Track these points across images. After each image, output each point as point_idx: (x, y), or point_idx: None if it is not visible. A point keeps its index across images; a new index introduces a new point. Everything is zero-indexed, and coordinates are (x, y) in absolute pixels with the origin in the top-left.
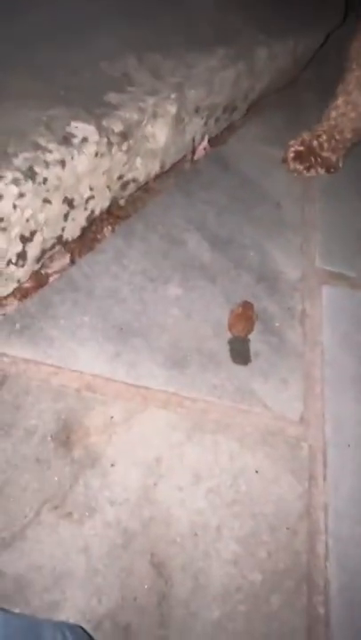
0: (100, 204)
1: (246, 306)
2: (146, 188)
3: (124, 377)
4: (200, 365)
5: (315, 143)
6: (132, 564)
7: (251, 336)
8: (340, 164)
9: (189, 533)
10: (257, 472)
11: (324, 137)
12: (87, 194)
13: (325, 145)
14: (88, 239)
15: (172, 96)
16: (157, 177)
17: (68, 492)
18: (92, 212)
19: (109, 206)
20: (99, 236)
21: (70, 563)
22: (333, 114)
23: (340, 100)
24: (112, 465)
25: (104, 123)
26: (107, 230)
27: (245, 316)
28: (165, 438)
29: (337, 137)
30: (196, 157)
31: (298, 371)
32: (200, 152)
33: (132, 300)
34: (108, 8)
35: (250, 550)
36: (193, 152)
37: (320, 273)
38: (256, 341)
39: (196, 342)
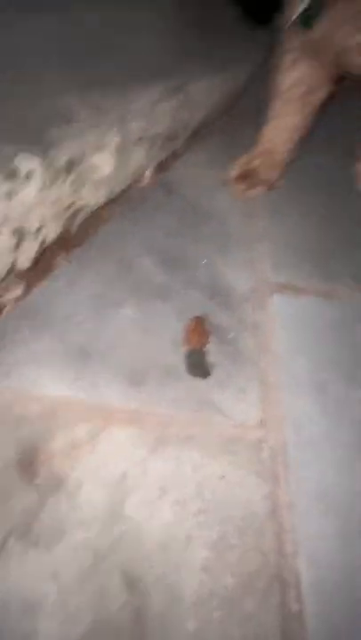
0: (51, 234)
1: (199, 320)
2: (96, 216)
3: (86, 398)
4: (159, 381)
5: (253, 165)
6: (104, 584)
7: (206, 348)
8: (280, 182)
9: (160, 547)
10: (221, 478)
11: (261, 158)
12: (37, 224)
13: (263, 166)
14: (42, 267)
15: (115, 129)
16: (106, 204)
17: (34, 519)
18: (44, 241)
19: (61, 235)
20: (52, 264)
21: (40, 591)
22: (266, 137)
23: (269, 125)
24: (78, 486)
25: (49, 156)
26: (60, 258)
27: (199, 329)
28: (129, 455)
29: (271, 158)
30: (142, 184)
31: (254, 378)
32: (146, 179)
33: (89, 323)
34: (50, 49)
35: (220, 555)
36: (139, 179)
37: (269, 284)
38: (212, 353)
39: (153, 359)
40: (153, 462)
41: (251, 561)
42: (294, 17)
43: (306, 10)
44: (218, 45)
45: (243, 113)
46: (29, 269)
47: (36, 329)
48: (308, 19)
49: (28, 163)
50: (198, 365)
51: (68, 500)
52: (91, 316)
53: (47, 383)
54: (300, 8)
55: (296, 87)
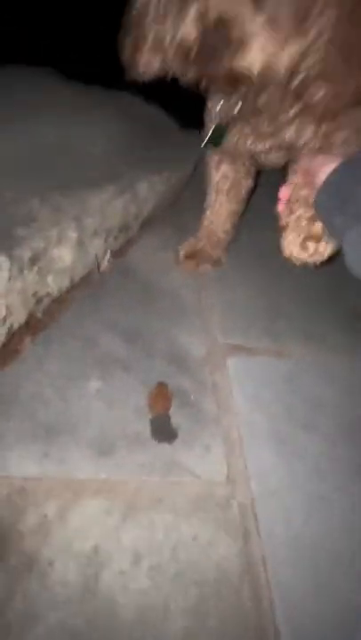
0: (17, 320)
1: (162, 386)
2: (60, 300)
3: (55, 474)
4: (127, 448)
5: (199, 245)
6: None
7: (170, 412)
8: (223, 259)
9: (137, 619)
10: (194, 539)
11: (204, 240)
12: (4, 313)
13: (207, 245)
14: (9, 351)
15: (73, 225)
16: (69, 290)
17: (6, 604)
18: (11, 327)
19: (27, 320)
20: (19, 348)
21: None
22: (206, 222)
23: (207, 212)
24: (50, 564)
25: (14, 252)
26: (27, 341)
27: (162, 395)
28: (101, 525)
29: (213, 238)
30: (101, 269)
31: (218, 436)
32: (104, 265)
33: (56, 400)
34: (14, 159)
35: (200, 621)
36: (98, 265)
37: (223, 347)
38: (176, 416)
39: (120, 428)
40: (125, 530)
41: (231, 623)
42: (205, 141)
43: (212, 135)
44: (160, 150)
45: (188, 201)
46: None
47: (4, 410)
48: (215, 140)
49: None
50: (164, 429)
51: (41, 580)
52: (58, 393)
53: (16, 463)
54: (208, 134)
55: (222, 182)
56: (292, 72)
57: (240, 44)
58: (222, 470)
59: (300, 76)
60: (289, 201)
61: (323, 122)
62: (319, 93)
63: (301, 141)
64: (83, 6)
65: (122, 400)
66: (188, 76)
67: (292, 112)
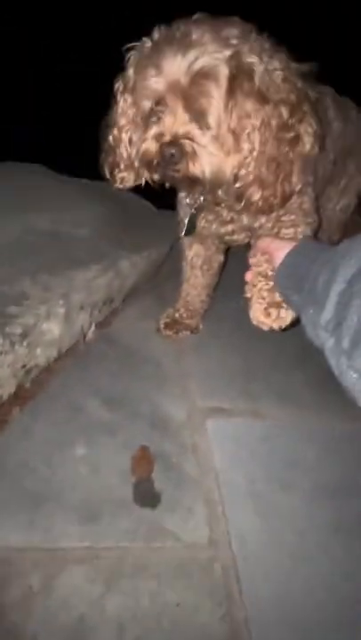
0: (7, 391)
1: (144, 449)
2: (48, 370)
3: (40, 543)
4: (111, 514)
5: (177, 315)
6: None
7: (153, 475)
8: (201, 326)
9: None
10: (178, 605)
11: (182, 310)
12: None
13: (185, 315)
14: None
15: (61, 302)
16: (56, 360)
17: None
18: (0, 398)
19: (16, 391)
20: (7, 418)
21: None
22: (183, 294)
23: (184, 285)
24: (34, 639)
25: (7, 329)
26: (15, 411)
27: (144, 458)
28: (86, 595)
29: (191, 308)
30: (87, 340)
31: (199, 497)
32: (90, 335)
33: (42, 468)
34: (3, 244)
35: None
36: (84, 336)
37: (202, 410)
38: (158, 479)
39: (105, 493)
40: (110, 599)
41: None
42: (184, 231)
43: (188, 225)
44: (140, 231)
45: (167, 275)
46: None
47: None
48: (188, 231)
49: None
50: (147, 494)
51: None
52: (44, 460)
53: (1, 533)
54: (185, 225)
55: (196, 259)
56: (235, 178)
57: (193, 156)
58: (204, 533)
59: (238, 183)
60: (251, 277)
61: (260, 216)
62: (254, 196)
63: (257, 225)
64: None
65: (106, 464)
66: (155, 180)
67: (238, 208)
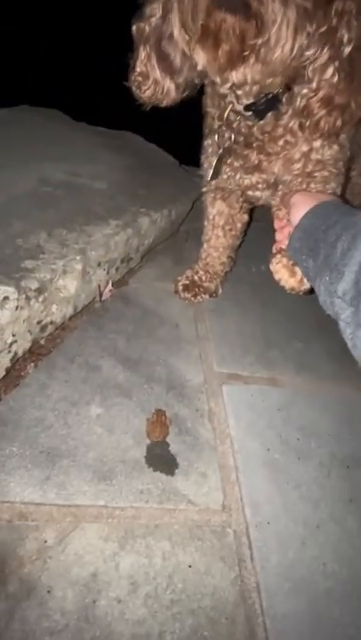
0: (22, 347)
1: (159, 413)
2: (63, 327)
3: (55, 499)
4: (125, 475)
5: (196, 277)
6: None
7: (168, 439)
8: (220, 290)
9: None
10: (190, 567)
11: (202, 272)
12: (10, 339)
13: (204, 277)
14: (13, 377)
15: (78, 257)
16: (72, 317)
17: (3, 631)
18: (16, 353)
19: (31, 347)
20: (22, 373)
21: None
22: (204, 255)
23: (205, 246)
24: (48, 591)
25: (22, 283)
26: (30, 367)
27: (160, 422)
28: (99, 552)
29: (210, 271)
30: (103, 298)
31: (213, 463)
32: (106, 294)
33: (58, 425)
34: (20, 195)
35: None
36: (100, 295)
37: (218, 375)
38: (173, 443)
39: (119, 454)
40: (123, 556)
41: None
42: (211, 173)
43: (215, 169)
44: (161, 186)
45: (186, 235)
46: (1, 379)
47: (7, 435)
48: (216, 173)
49: (4, 290)
50: (161, 457)
51: (39, 607)
52: (59, 418)
53: (16, 489)
54: (213, 166)
55: (218, 218)
56: (292, 90)
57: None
58: (218, 498)
59: (314, 81)
60: (283, 229)
61: (328, 138)
62: (330, 111)
63: (287, 177)
64: (87, 52)
65: (121, 426)
66: (198, 40)
67: (300, 133)
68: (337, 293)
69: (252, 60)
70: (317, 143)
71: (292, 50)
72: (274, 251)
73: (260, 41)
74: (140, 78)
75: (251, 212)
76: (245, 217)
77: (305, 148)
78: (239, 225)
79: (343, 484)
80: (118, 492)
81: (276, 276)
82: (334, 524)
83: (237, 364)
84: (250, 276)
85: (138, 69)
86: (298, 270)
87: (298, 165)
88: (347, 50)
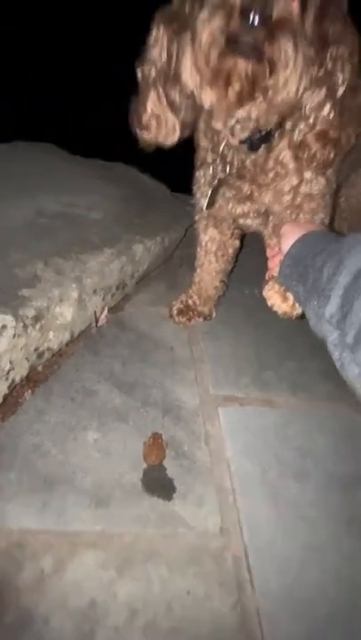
0: (19, 374)
1: (156, 436)
2: (60, 353)
3: (53, 526)
4: (123, 500)
5: (190, 301)
6: None
7: (165, 462)
8: (214, 313)
9: None
10: (189, 593)
11: (195, 296)
12: (7, 367)
13: (197, 301)
14: (10, 404)
15: (74, 285)
16: (69, 343)
17: None
18: (13, 380)
19: (28, 373)
20: (20, 400)
21: None
22: (197, 279)
23: (198, 271)
24: (46, 622)
25: (20, 311)
26: (27, 393)
27: (156, 445)
28: (97, 579)
29: (204, 295)
30: (99, 324)
31: (211, 486)
32: (102, 320)
33: (55, 451)
34: (17, 226)
35: None
36: (96, 320)
37: (214, 398)
38: (170, 466)
39: (117, 478)
40: (121, 584)
41: None
42: (206, 202)
43: (209, 199)
44: (154, 214)
45: (180, 261)
46: None
47: (4, 462)
48: (210, 204)
49: (2, 318)
50: (158, 481)
51: (37, 638)
52: (56, 444)
53: (14, 516)
54: (208, 196)
55: (211, 243)
56: (292, 123)
57: (278, 36)
58: (216, 521)
59: (311, 117)
60: (275, 257)
61: (323, 170)
62: (318, 143)
63: (278, 207)
64: (82, 87)
65: (119, 450)
66: (209, 81)
67: (291, 166)
68: (325, 317)
69: (259, 100)
70: (308, 175)
71: (297, 92)
72: (267, 278)
73: (270, 82)
74: (153, 121)
75: (242, 238)
76: (237, 243)
77: (295, 182)
78: (231, 250)
79: (342, 503)
80: (116, 518)
81: (269, 302)
82: (334, 546)
83: (233, 385)
84: (243, 298)
85: (149, 111)
86: (290, 296)
87: (287, 197)
88: (341, 90)
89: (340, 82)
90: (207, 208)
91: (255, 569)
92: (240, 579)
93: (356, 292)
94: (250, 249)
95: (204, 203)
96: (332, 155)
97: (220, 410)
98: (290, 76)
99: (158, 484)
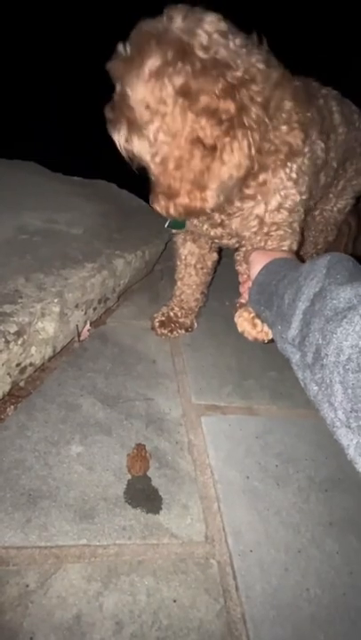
0: (1, 389)
1: (140, 447)
2: (42, 368)
3: (37, 541)
4: (107, 512)
5: (171, 313)
6: None
7: (148, 473)
8: (195, 324)
9: None
10: (175, 601)
11: (177, 308)
12: None
13: (179, 313)
14: None
15: (55, 300)
16: (51, 358)
17: None
18: None
19: (10, 389)
20: (2, 416)
21: None
22: (178, 292)
23: (179, 284)
24: (31, 638)
25: (1, 327)
26: (9, 409)
27: (140, 456)
28: (83, 593)
29: (185, 307)
30: (82, 338)
31: (195, 494)
32: (85, 334)
33: (38, 466)
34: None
35: None
36: (79, 335)
37: (197, 407)
38: (154, 477)
39: (101, 491)
40: (107, 596)
41: None
42: (167, 224)
43: (170, 221)
44: (134, 229)
45: (161, 274)
46: None
47: None
48: (177, 224)
49: None
50: (143, 491)
51: None
52: (39, 459)
53: None
54: (167, 222)
55: (190, 257)
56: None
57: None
58: (201, 529)
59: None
60: (245, 283)
61: (250, 224)
62: (158, 190)
63: (246, 233)
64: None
65: (102, 463)
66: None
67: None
68: (288, 340)
69: None
70: (272, 205)
71: None
72: (237, 304)
73: None
74: None
75: (220, 251)
76: (215, 255)
77: (258, 211)
78: (210, 263)
79: (322, 507)
80: (101, 531)
81: (240, 329)
82: (315, 548)
83: (215, 395)
84: (223, 309)
85: None
86: (258, 322)
87: (253, 223)
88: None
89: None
90: (170, 227)
91: (240, 574)
92: (225, 585)
93: (312, 315)
94: (228, 259)
95: (175, 224)
96: (177, 209)
97: (202, 419)
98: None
99: (143, 494)
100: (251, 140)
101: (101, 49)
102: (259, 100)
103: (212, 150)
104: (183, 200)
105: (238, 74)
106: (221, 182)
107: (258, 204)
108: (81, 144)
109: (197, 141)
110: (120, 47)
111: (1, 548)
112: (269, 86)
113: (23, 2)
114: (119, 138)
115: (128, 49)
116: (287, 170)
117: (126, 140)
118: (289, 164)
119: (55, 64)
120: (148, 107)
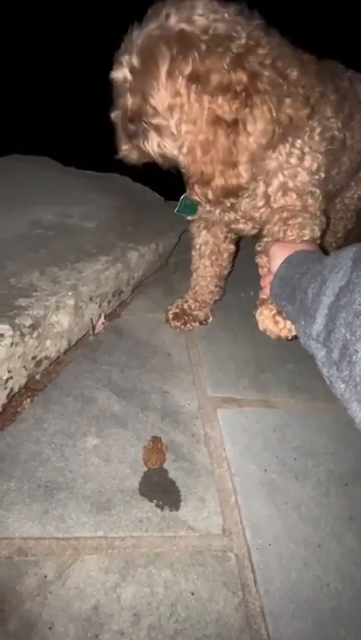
0: (18, 382)
1: (156, 440)
2: (58, 361)
3: (54, 532)
4: (124, 504)
5: (185, 306)
6: None
7: (165, 465)
8: (210, 317)
9: None
10: (193, 594)
11: (191, 301)
12: (6, 375)
13: (193, 306)
14: (9, 413)
15: (70, 293)
16: (66, 351)
17: None
18: (12, 389)
19: (27, 382)
20: (19, 409)
21: None
22: (193, 284)
23: (194, 275)
24: (50, 628)
25: (16, 321)
26: (26, 402)
27: (156, 449)
28: (100, 584)
29: (199, 299)
30: (96, 331)
31: (212, 487)
32: (99, 327)
33: (55, 458)
34: (13, 238)
35: None
36: (93, 328)
37: (213, 400)
38: (170, 469)
39: (117, 483)
40: (125, 587)
41: None
42: (176, 209)
43: (184, 205)
44: (148, 222)
45: (175, 267)
46: None
47: (4, 470)
48: (188, 210)
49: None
50: (159, 484)
51: None
52: (56, 451)
53: (15, 524)
54: (178, 204)
55: (204, 247)
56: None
57: (146, 134)
58: (218, 522)
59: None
60: (266, 277)
61: (259, 205)
62: (193, 180)
63: (257, 215)
64: (74, 103)
65: (118, 455)
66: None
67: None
68: (312, 335)
69: None
70: (275, 183)
71: None
72: (258, 301)
73: None
74: None
75: (237, 242)
76: (232, 247)
77: (261, 190)
78: (225, 255)
79: (342, 501)
80: (117, 522)
81: (261, 327)
82: (335, 543)
83: (231, 387)
84: (239, 302)
85: None
86: (280, 320)
87: (261, 203)
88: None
89: None
90: (179, 212)
91: (258, 568)
92: (244, 578)
93: (338, 310)
94: (246, 252)
95: (185, 209)
96: (214, 193)
97: (218, 412)
98: None
99: (159, 487)
100: (270, 104)
101: (101, 49)
102: (268, 62)
103: (234, 125)
104: (218, 182)
105: (242, 41)
106: (251, 154)
107: (259, 181)
108: (85, 140)
109: (218, 120)
110: (124, 59)
111: (19, 539)
112: (275, 49)
113: (23, 2)
114: (152, 146)
115: (135, 60)
116: (287, 145)
117: (158, 146)
118: (290, 139)
119: (55, 64)
120: (168, 106)
